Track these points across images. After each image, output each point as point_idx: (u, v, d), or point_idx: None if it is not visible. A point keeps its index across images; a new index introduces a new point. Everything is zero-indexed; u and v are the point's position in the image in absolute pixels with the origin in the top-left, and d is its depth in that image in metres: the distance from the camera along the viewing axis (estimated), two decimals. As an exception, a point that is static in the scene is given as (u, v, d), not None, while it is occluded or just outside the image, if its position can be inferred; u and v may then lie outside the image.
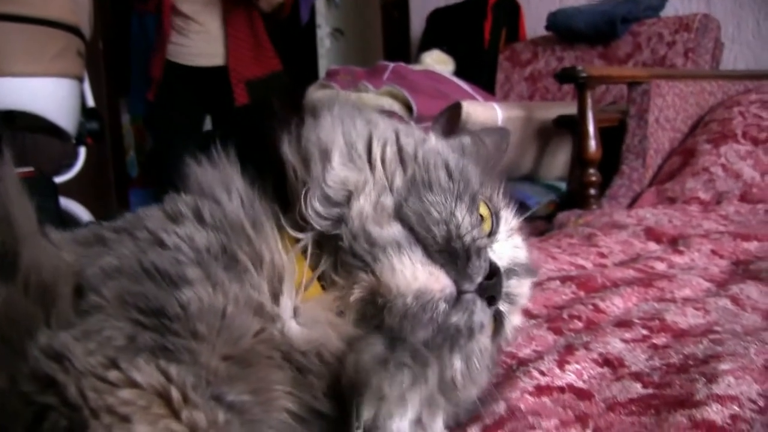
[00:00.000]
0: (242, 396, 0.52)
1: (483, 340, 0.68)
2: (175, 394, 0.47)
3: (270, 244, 0.63)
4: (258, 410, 0.53)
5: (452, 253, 0.62)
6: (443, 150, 0.74)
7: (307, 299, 0.63)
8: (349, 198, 0.66)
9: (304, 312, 0.61)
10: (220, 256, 0.60)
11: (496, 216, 0.73)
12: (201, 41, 3.90)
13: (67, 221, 2.89)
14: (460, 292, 0.62)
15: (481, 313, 0.64)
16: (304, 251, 0.65)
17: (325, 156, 0.67)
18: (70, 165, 3.57)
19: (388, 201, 0.66)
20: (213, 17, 3.84)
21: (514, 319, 0.77)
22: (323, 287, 0.65)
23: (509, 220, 0.76)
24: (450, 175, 0.69)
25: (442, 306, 0.61)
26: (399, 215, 0.65)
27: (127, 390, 0.46)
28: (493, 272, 0.65)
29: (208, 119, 4.34)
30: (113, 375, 0.47)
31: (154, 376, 0.47)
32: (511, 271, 0.73)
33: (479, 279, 0.63)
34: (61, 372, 0.47)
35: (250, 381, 0.54)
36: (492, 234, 0.72)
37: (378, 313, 0.61)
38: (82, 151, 3.60)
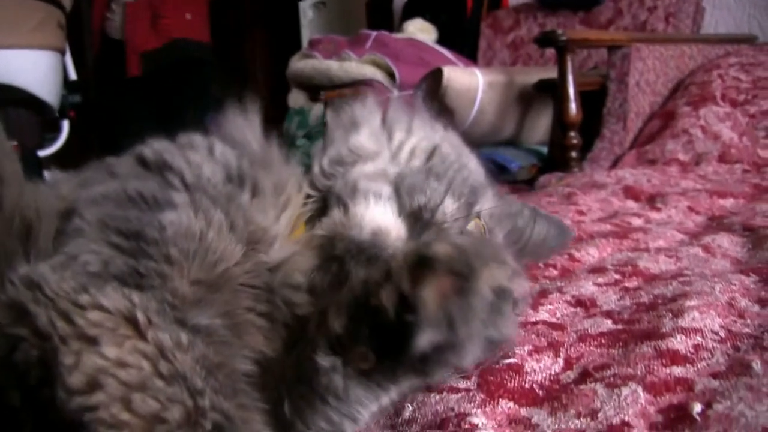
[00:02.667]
0: (209, 320, 0.54)
1: None
2: (140, 316, 0.49)
3: (289, 181, 0.70)
4: (226, 333, 0.55)
5: (418, 219, 0.69)
6: (475, 169, 0.82)
7: (291, 236, 0.68)
8: (356, 162, 0.74)
9: (285, 243, 0.65)
10: (220, 186, 0.63)
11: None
12: (118, 15, 4.04)
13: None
14: None
15: None
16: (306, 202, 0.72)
17: (353, 126, 0.77)
18: (53, 139, 3.56)
19: (392, 170, 0.74)
20: None
21: None
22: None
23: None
24: (463, 182, 0.75)
25: (389, 253, 0.64)
26: (395, 182, 0.71)
27: (96, 312, 0.48)
28: None
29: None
30: (83, 299, 0.49)
31: (120, 302, 0.49)
32: None
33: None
34: (33, 302, 0.48)
35: (218, 305, 0.56)
36: None
37: (333, 247, 0.65)
38: (66, 125, 3.58)
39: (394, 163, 0.77)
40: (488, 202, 0.81)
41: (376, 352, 0.54)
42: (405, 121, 0.83)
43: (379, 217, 0.67)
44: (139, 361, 0.46)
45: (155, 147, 0.70)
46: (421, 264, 0.51)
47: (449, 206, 0.72)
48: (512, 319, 0.51)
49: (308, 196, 0.73)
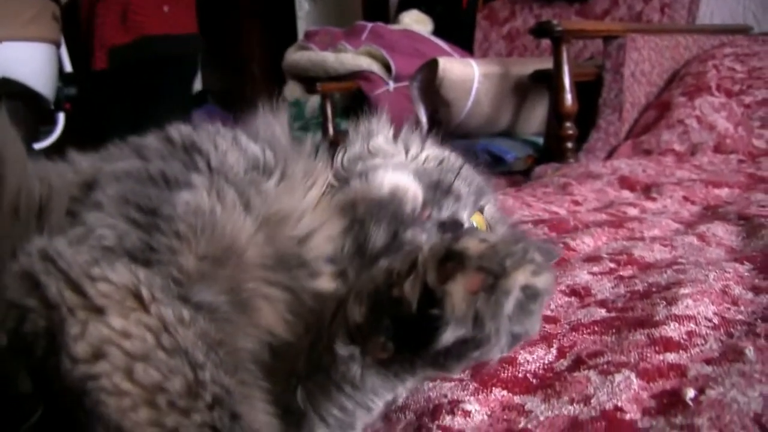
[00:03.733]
0: (213, 297, 0.55)
1: None
2: (145, 292, 0.50)
3: (316, 168, 0.74)
4: (230, 310, 0.55)
5: (437, 186, 0.74)
6: (480, 177, 0.86)
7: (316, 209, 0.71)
8: (375, 157, 0.80)
9: (312, 216, 0.68)
10: (241, 173, 0.65)
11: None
12: None
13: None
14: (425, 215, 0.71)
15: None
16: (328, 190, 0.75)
17: (370, 134, 0.83)
18: (49, 131, 3.55)
19: (410, 166, 0.80)
20: None
21: None
22: None
23: None
24: (472, 177, 0.82)
25: (409, 207, 0.70)
26: (413, 170, 0.77)
27: (104, 284, 0.49)
28: (458, 223, 0.73)
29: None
30: (94, 272, 0.50)
31: (127, 277, 0.50)
32: None
33: (445, 213, 0.73)
34: (45, 273, 0.49)
35: (223, 281, 0.57)
36: None
37: (355, 210, 0.70)
38: (61, 117, 3.57)
39: (410, 162, 0.83)
40: (491, 204, 0.85)
41: (396, 343, 0.54)
42: (418, 136, 0.88)
43: (397, 177, 0.73)
44: (142, 332, 0.48)
45: (183, 130, 0.71)
46: (449, 258, 0.51)
47: (462, 188, 0.77)
48: (538, 316, 0.50)
49: (331, 186, 0.75)
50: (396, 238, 0.69)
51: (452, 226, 0.73)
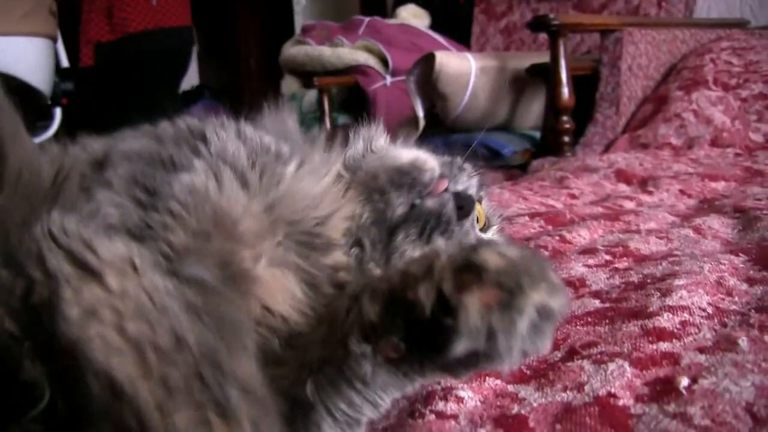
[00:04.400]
0: (204, 270, 0.56)
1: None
2: (138, 261, 0.51)
3: (331, 156, 0.78)
4: (220, 284, 0.56)
5: (451, 163, 0.80)
6: None
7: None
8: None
9: (331, 198, 0.72)
10: (243, 159, 0.67)
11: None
12: None
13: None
14: (441, 187, 0.76)
15: (451, 213, 0.74)
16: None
17: (371, 137, 0.86)
18: (46, 126, 3.53)
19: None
20: None
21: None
22: None
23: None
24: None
25: (427, 176, 0.74)
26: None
27: (102, 252, 0.51)
28: (471, 198, 0.77)
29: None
30: (93, 243, 0.52)
31: (123, 249, 0.52)
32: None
33: (459, 187, 0.79)
34: (48, 249, 0.51)
35: (215, 255, 0.58)
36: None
37: (376, 180, 0.75)
38: (58, 112, 3.55)
39: None
40: (486, 199, 0.89)
41: (407, 344, 0.54)
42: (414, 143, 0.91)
43: (415, 151, 0.78)
44: (135, 293, 0.49)
45: (197, 120, 0.75)
46: (467, 269, 0.51)
47: (470, 169, 0.83)
48: (550, 335, 0.51)
49: (340, 176, 0.78)
50: (414, 208, 0.73)
51: (466, 200, 0.76)
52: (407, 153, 0.77)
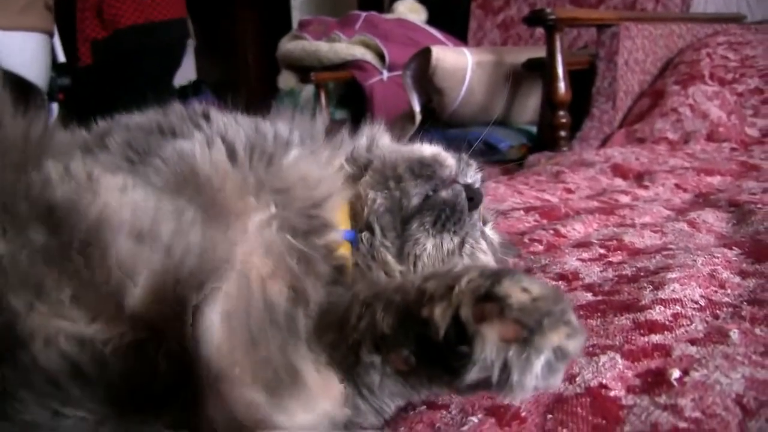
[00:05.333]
0: (183, 203, 0.60)
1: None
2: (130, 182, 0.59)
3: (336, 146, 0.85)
4: (200, 217, 0.60)
5: (460, 158, 0.85)
6: None
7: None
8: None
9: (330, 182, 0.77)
10: (242, 138, 0.72)
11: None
12: None
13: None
14: (453, 181, 0.81)
15: (464, 204, 0.80)
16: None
17: (374, 136, 0.90)
18: (42, 121, 3.52)
19: None
20: None
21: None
22: None
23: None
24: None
25: (446, 173, 0.80)
26: None
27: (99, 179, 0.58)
28: (478, 192, 0.83)
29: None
30: (92, 173, 0.58)
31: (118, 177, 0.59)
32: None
33: (468, 180, 0.83)
34: (60, 179, 0.57)
35: (195, 199, 0.62)
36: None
37: (395, 167, 0.80)
38: (55, 107, 3.55)
39: None
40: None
41: (417, 359, 0.54)
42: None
43: (434, 147, 0.84)
44: (138, 197, 0.57)
45: (204, 106, 0.79)
46: (489, 298, 0.50)
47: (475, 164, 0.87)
48: (562, 374, 0.51)
49: (342, 167, 0.83)
50: (428, 198, 0.78)
51: (476, 192, 0.82)
52: (429, 147, 0.83)
